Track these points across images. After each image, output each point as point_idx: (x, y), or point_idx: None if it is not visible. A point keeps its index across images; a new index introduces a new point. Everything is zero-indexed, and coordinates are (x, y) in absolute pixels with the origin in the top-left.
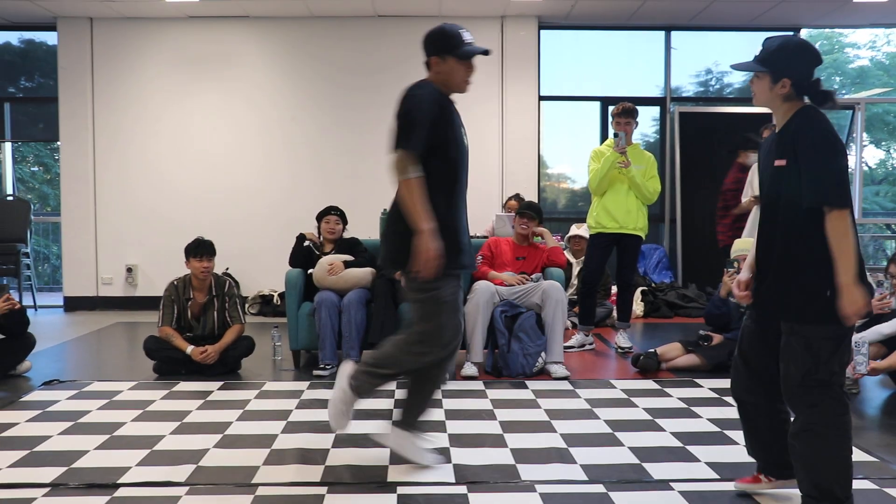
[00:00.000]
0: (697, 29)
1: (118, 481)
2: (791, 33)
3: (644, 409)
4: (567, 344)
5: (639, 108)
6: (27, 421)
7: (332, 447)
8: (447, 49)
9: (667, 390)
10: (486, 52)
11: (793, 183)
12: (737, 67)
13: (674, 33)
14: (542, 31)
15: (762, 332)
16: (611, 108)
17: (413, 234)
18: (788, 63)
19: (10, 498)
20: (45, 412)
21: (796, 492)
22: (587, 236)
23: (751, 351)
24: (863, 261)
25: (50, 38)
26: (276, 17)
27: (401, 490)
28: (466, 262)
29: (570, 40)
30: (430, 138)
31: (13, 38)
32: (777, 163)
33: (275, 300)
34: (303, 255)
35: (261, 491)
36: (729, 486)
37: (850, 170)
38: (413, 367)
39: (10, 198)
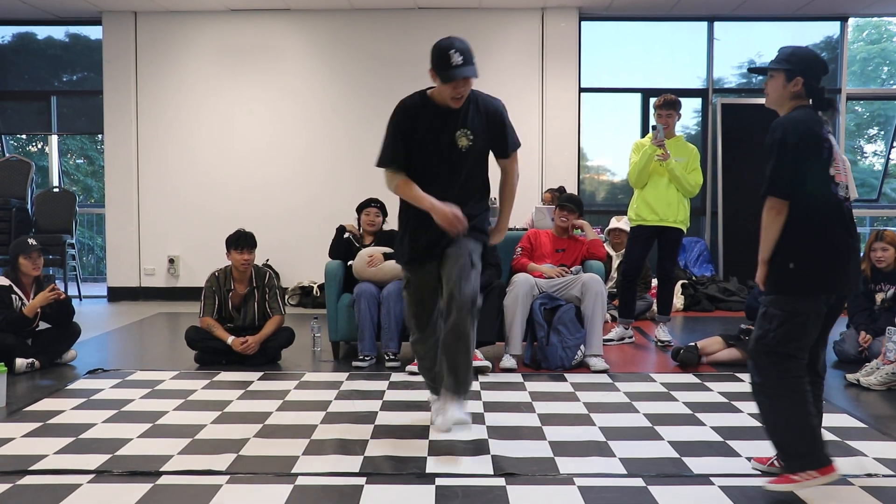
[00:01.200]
0: (741, 19)
1: (160, 469)
2: (802, 45)
3: (684, 402)
4: (606, 337)
5: (681, 99)
6: (73, 408)
7: (371, 438)
8: (436, 68)
9: (707, 384)
10: (467, 77)
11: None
12: (753, 69)
13: (717, 23)
14: (582, 23)
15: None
16: (652, 100)
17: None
18: (802, 65)
19: (56, 483)
20: (89, 400)
21: (835, 488)
22: (627, 229)
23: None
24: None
25: (94, 32)
26: (317, 10)
27: (439, 482)
28: (413, 255)
29: (611, 31)
30: (400, 148)
31: (59, 32)
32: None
33: (314, 291)
34: (343, 246)
35: (300, 481)
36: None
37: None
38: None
39: (56, 190)
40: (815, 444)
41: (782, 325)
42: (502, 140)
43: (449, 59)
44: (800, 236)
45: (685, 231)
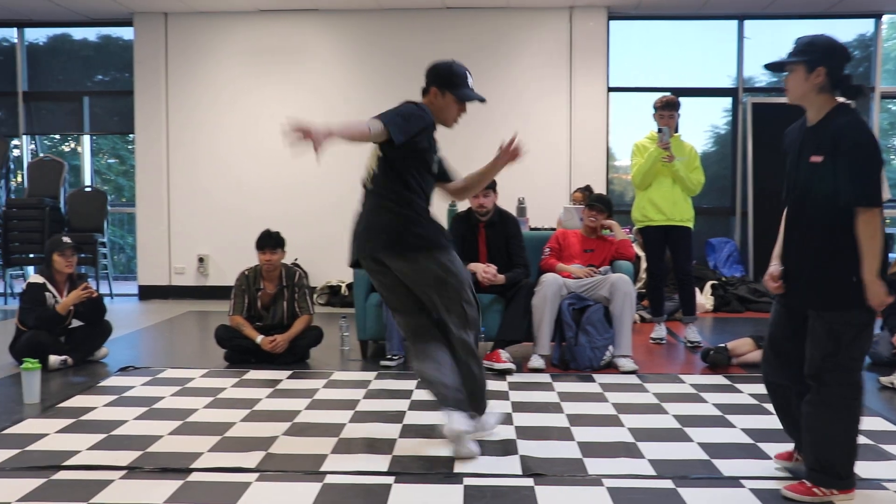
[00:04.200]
0: (772, 17)
1: (191, 466)
2: (821, 34)
3: (714, 404)
4: (654, 336)
5: (710, 98)
6: (104, 405)
7: (399, 437)
8: (451, 85)
9: (737, 386)
10: (482, 100)
11: (827, 179)
12: (770, 66)
13: (747, 22)
14: (611, 22)
15: (790, 317)
16: (653, 101)
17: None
18: (822, 54)
19: (89, 479)
20: (121, 397)
21: (870, 493)
22: None
23: (780, 335)
24: (887, 254)
25: (126, 33)
26: (345, 10)
27: (467, 482)
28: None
29: (640, 30)
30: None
31: (91, 34)
32: (813, 159)
33: (343, 291)
34: None
35: (329, 479)
36: None
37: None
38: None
39: (88, 189)
40: (852, 466)
41: (855, 340)
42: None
43: (466, 80)
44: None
45: (692, 229)
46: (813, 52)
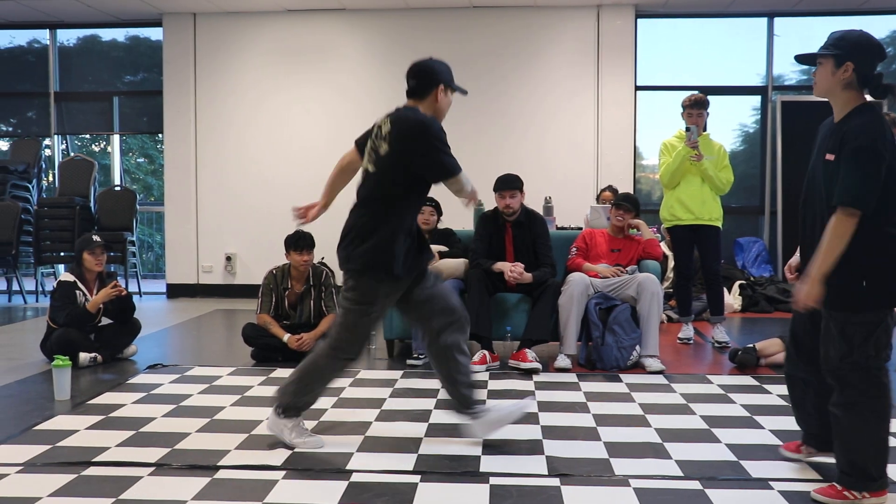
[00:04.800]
0: (802, 14)
1: (218, 463)
2: (855, 29)
3: (742, 405)
4: (681, 336)
5: (739, 97)
6: (133, 403)
7: (426, 436)
8: (452, 82)
9: (766, 387)
10: (465, 92)
11: (835, 179)
12: (800, 58)
13: (776, 19)
14: (638, 20)
15: (810, 313)
16: (681, 100)
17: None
18: (851, 49)
19: (118, 475)
20: (149, 395)
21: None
22: None
23: (800, 330)
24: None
25: (155, 33)
26: (372, 9)
27: (493, 481)
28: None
29: (668, 28)
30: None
31: (121, 35)
32: (828, 157)
33: None
34: None
35: (355, 477)
36: None
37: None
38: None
39: (117, 188)
40: (884, 467)
41: (868, 340)
42: None
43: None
44: (876, 253)
45: (721, 228)
46: (843, 47)
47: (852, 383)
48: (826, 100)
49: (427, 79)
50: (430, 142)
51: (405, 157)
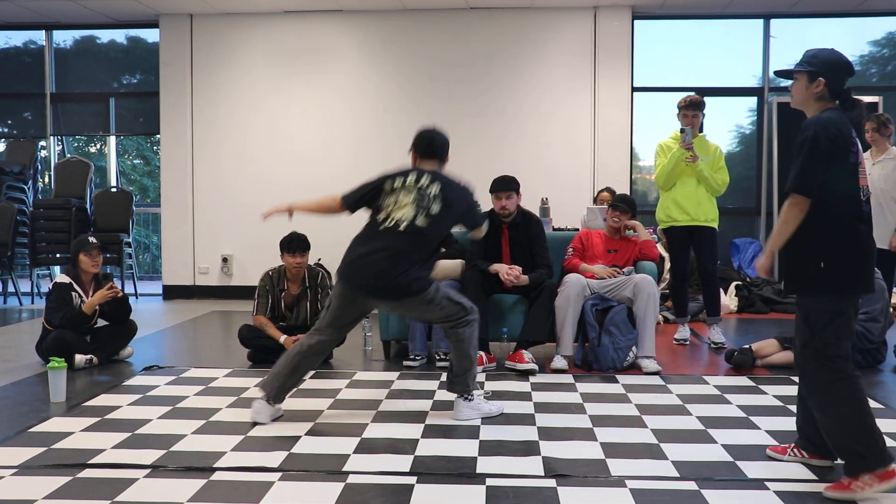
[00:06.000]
0: (799, 16)
1: (214, 465)
2: (827, 48)
3: (738, 406)
4: (678, 337)
5: (735, 98)
6: (129, 404)
7: (422, 437)
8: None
9: (762, 387)
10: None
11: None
12: (780, 73)
13: (773, 21)
14: (635, 21)
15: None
16: (677, 101)
17: None
18: (823, 66)
19: (114, 477)
20: (145, 396)
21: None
22: None
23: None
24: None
25: (151, 35)
26: (368, 11)
27: (490, 482)
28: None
29: (665, 30)
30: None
31: (118, 36)
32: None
33: None
34: None
35: (351, 479)
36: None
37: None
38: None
39: (113, 189)
40: (873, 444)
41: (829, 326)
42: None
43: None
44: (830, 236)
45: (717, 229)
46: (816, 65)
47: (810, 372)
48: None
49: (445, 148)
50: (473, 201)
51: (455, 213)
